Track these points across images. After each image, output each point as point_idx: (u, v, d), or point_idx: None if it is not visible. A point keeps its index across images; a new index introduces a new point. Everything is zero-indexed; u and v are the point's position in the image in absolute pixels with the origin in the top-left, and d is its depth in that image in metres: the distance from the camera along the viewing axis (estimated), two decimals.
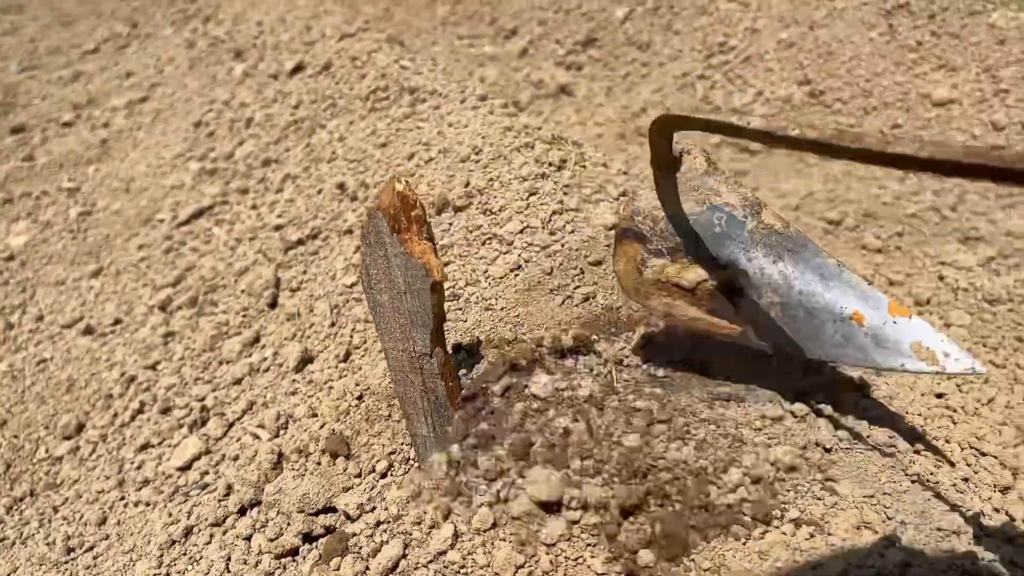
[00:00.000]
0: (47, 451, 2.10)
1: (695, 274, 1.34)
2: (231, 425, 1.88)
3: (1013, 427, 1.77)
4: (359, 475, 1.43)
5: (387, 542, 1.26)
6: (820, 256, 1.31)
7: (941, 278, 2.64)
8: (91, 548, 1.68)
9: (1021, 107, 3.26)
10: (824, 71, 3.83)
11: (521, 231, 1.89)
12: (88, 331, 2.52)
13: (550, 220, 1.89)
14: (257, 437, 1.77)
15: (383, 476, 1.40)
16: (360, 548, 1.28)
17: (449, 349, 1.52)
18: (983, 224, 2.89)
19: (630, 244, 1.39)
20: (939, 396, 1.78)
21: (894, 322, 1.22)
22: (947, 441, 1.51)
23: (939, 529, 1.16)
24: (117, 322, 2.53)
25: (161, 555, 1.52)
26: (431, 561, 1.20)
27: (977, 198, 3.04)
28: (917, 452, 1.40)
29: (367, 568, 1.24)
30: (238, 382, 2.01)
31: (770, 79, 4.03)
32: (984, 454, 1.50)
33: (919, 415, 1.56)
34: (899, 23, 3.83)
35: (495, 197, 2.04)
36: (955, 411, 1.70)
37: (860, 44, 3.84)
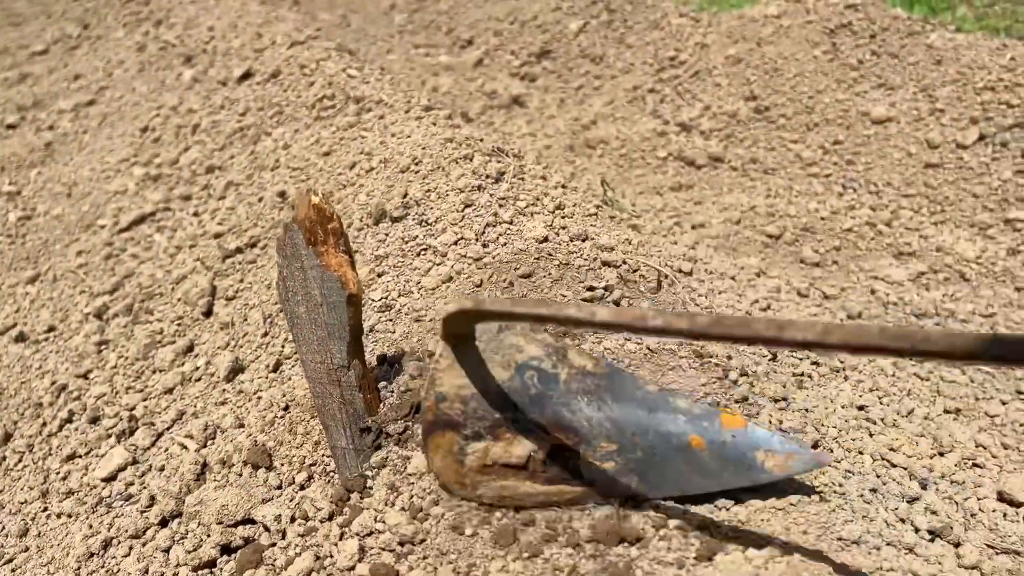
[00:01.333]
0: None
1: (522, 447, 1.22)
2: (160, 435, 1.86)
3: (930, 438, 1.83)
4: (279, 487, 1.43)
5: (299, 555, 1.26)
6: (639, 387, 1.25)
7: (873, 292, 2.71)
8: (10, 560, 1.66)
9: (955, 126, 3.36)
10: (770, 87, 3.91)
11: (455, 243, 1.91)
12: (21, 338, 2.48)
13: (483, 232, 1.90)
14: (185, 447, 1.75)
15: (302, 488, 1.40)
16: (275, 560, 1.28)
17: (374, 361, 1.54)
18: (915, 240, 2.97)
19: (442, 435, 1.24)
20: (860, 408, 1.83)
21: (732, 436, 1.20)
22: (860, 452, 1.55)
23: (840, 539, 1.20)
24: (51, 329, 2.49)
25: (79, 568, 1.51)
26: (341, 573, 1.21)
27: (911, 214, 3.13)
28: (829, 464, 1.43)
29: None
30: (169, 391, 1.99)
31: (718, 94, 4.10)
32: (895, 465, 1.55)
33: (834, 427, 1.60)
34: (842, 42, 3.93)
35: (432, 208, 2.05)
36: (874, 423, 1.75)
37: (804, 61, 3.93)
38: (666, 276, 1.85)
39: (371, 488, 1.30)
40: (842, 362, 2.12)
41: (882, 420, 1.79)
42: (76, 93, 4.62)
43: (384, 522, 1.23)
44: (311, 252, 1.21)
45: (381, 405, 1.37)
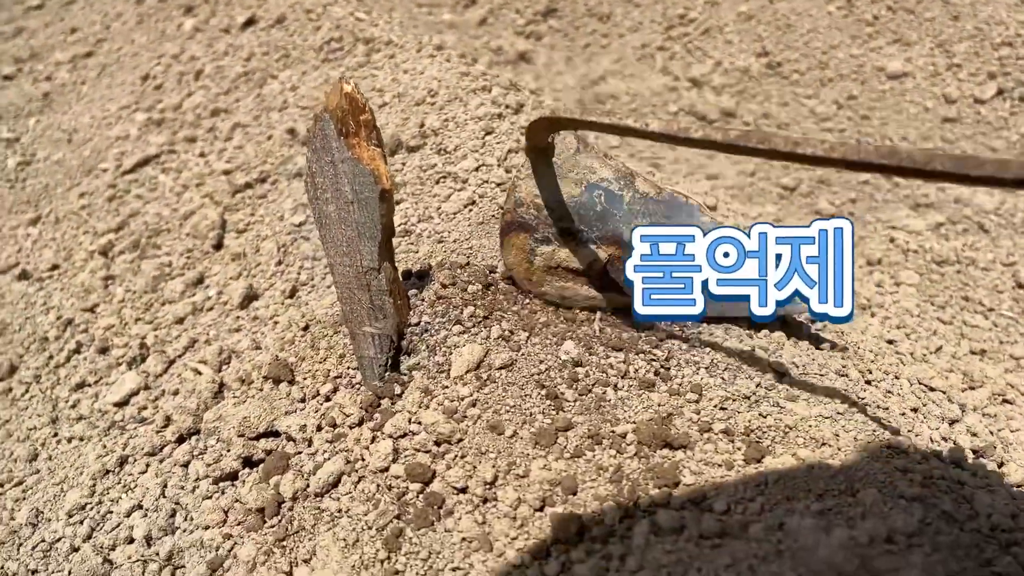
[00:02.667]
0: None
1: (584, 255, 1.36)
2: (172, 362, 1.81)
3: (959, 374, 1.80)
4: (303, 399, 1.38)
5: (329, 459, 1.21)
6: (696, 215, 1.35)
7: (892, 240, 2.67)
8: (20, 483, 1.61)
9: (973, 81, 3.32)
10: (782, 43, 3.85)
11: (476, 168, 1.85)
12: (23, 276, 2.42)
13: (506, 158, 1.85)
14: (198, 372, 1.70)
15: (327, 399, 1.35)
16: (302, 466, 1.24)
17: (400, 275, 1.48)
18: (933, 192, 2.93)
19: (517, 235, 1.38)
20: (889, 342, 1.80)
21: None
22: (896, 377, 1.52)
23: (888, 447, 1.16)
24: (55, 267, 2.43)
25: (94, 484, 1.46)
26: (374, 475, 1.16)
27: None
28: (868, 382, 1.40)
29: (307, 485, 1.19)
30: (180, 321, 1.94)
31: (729, 51, 4.04)
32: (933, 389, 1.51)
33: (870, 351, 1.56)
34: None
35: (450, 137, 2.00)
36: (903, 356, 1.71)
37: (818, 17, 3.87)
38: (707, 207, 1.80)
39: (402, 394, 1.25)
40: (868, 300, 2.08)
41: (911, 355, 1.76)
42: (73, 46, 4.53)
43: (420, 422, 1.18)
44: (342, 144, 1.15)
45: (411, 312, 1.32)
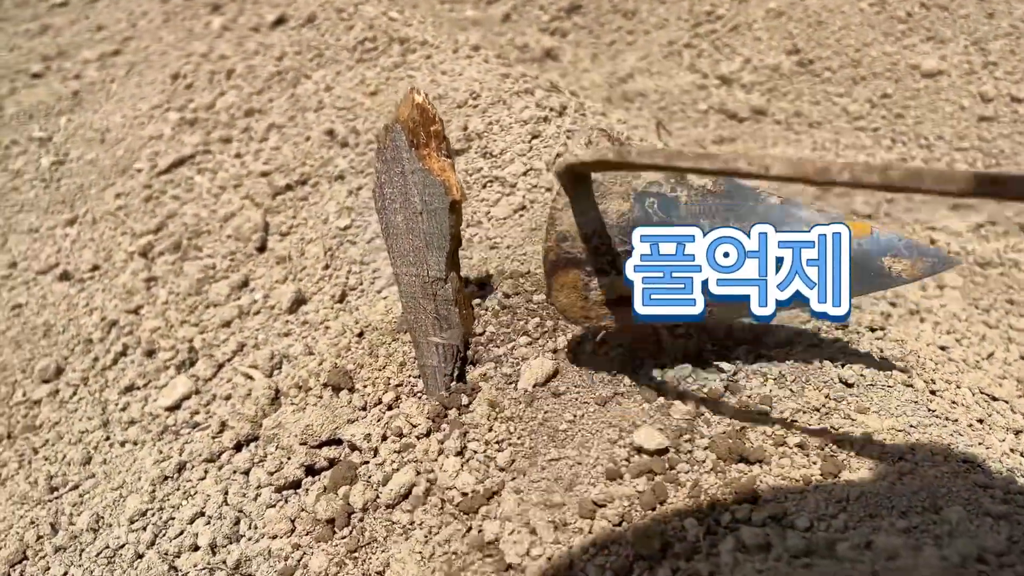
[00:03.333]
0: (24, 394, 2.01)
1: None
2: (221, 366, 1.82)
3: (1013, 380, 1.78)
4: (364, 408, 1.38)
5: (398, 469, 1.21)
6: (760, 201, 1.23)
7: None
8: (76, 486, 1.61)
9: (1009, 80, 3.28)
10: (814, 40, 3.82)
11: (524, 173, 1.85)
12: (65, 277, 2.43)
13: (554, 162, 1.84)
14: (250, 377, 1.71)
15: (390, 408, 1.35)
16: (371, 476, 1.24)
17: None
18: None
19: (566, 273, 1.24)
20: (942, 348, 1.78)
21: (859, 244, 1.18)
22: (958, 386, 1.50)
23: (964, 461, 1.15)
24: (95, 268, 2.44)
25: (153, 490, 1.46)
26: (447, 488, 1.16)
27: (965, 167, 3.05)
28: (933, 392, 1.39)
29: (378, 496, 1.19)
30: (227, 324, 1.94)
31: (758, 48, 4.01)
32: (996, 399, 1.50)
33: (931, 360, 1.55)
34: None
35: (495, 140, 1.99)
36: (958, 363, 1.70)
37: (850, 14, 3.83)
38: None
39: (470, 405, 1.25)
40: (916, 304, 2.06)
41: (964, 361, 1.75)
42: (100, 43, 4.54)
43: (488, 435, 1.18)
44: (413, 155, 1.15)
45: (476, 322, 1.32)
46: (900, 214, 2.91)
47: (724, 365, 1.28)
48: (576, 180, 1.19)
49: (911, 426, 1.19)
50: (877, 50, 3.66)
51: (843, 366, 1.31)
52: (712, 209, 1.22)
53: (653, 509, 1.04)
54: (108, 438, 1.75)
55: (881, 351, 1.42)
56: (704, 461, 1.10)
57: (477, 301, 1.36)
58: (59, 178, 3.13)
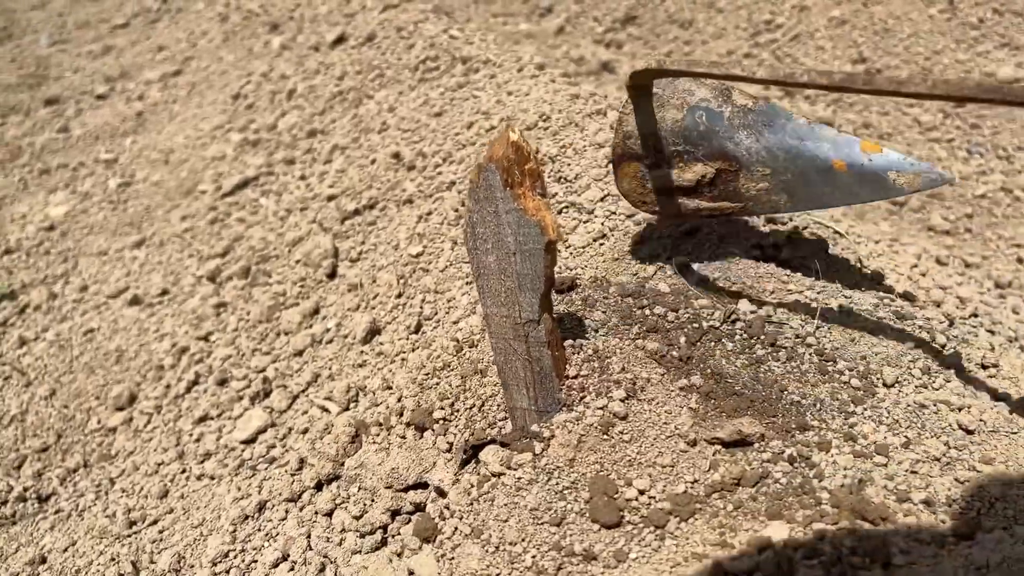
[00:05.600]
0: (99, 422, 2.02)
1: (693, 172, 1.48)
2: (295, 397, 1.80)
3: None
4: (450, 450, 1.34)
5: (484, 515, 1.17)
6: (791, 120, 1.42)
7: (1020, 260, 2.53)
8: (155, 522, 1.60)
9: None
10: (880, 48, 3.71)
11: (602, 199, 1.80)
12: (135, 301, 2.44)
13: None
14: (326, 410, 1.68)
15: (476, 451, 1.30)
16: (454, 530, 1.19)
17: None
18: None
19: (628, 164, 1.52)
20: None
21: (869, 159, 1.35)
22: None
23: None
24: (164, 292, 2.45)
25: (234, 530, 1.44)
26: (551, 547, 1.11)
27: None
28: None
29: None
30: (299, 353, 1.93)
31: (822, 57, 3.90)
32: None
33: None
34: (959, 0, 3.70)
35: (569, 165, 1.94)
36: None
37: (919, 21, 3.71)
38: (837, 235, 1.72)
39: (564, 450, 1.20)
40: (1013, 332, 1.96)
41: None
42: (161, 64, 4.61)
43: (581, 480, 1.13)
44: (508, 195, 1.11)
45: (568, 364, 1.27)
46: (981, 229, 2.79)
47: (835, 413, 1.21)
48: (640, 90, 1.44)
49: None
50: (949, 58, 3.54)
51: (960, 410, 1.23)
52: (750, 122, 1.44)
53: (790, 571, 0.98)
54: (184, 471, 1.74)
55: (997, 392, 1.34)
56: (827, 516, 1.04)
57: (569, 342, 1.31)
58: (126, 200, 3.16)
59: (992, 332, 1.81)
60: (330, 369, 1.82)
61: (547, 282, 1.16)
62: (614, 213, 1.75)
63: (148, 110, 4.04)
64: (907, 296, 1.59)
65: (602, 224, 1.72)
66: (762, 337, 1.36)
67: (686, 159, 1.49)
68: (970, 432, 1.19)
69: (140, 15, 5.62)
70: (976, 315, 1.71)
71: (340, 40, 3.59)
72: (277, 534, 1.40)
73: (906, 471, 1.11)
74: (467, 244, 1.19)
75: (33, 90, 4.54)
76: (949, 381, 1.30)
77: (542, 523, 1.13)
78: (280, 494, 1.47)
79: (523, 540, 1.12)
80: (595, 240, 1.69)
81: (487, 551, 1.13)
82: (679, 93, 1.47)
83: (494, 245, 1.16)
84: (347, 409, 1.65)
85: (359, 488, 1.38)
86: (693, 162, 1.48)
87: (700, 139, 1.47)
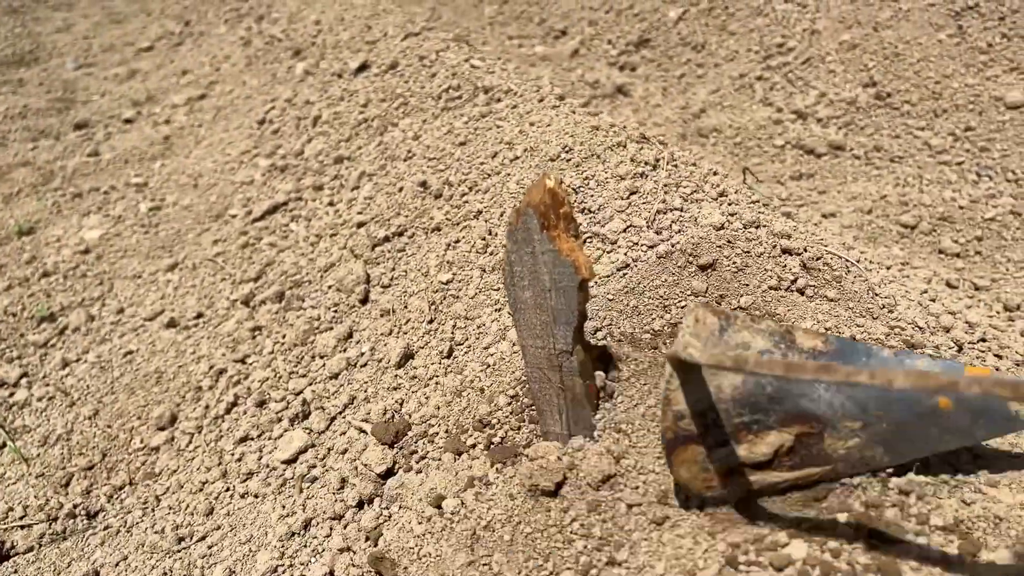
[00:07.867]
0: (142, 441, 2.12)
1: (766, 446, 1.23)
2: (333, 419, 1.89)
3: None
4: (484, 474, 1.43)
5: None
6: (873, 355, 1.21)
7: None
8: (203, 538, 1.70)
9: None
10: (891, 73, 3.79)
11: (624, 230, 1.88)
12: (171, 324, 2.54)
13: (654, 219, 1.88)
14: (363, 431, 1.77)
15: (510, 471, 1.39)
16: None
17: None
18: None
19: (685, 449, 1.24)
20: None
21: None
22: None
23: None
24: (199, 316, 2.55)
25: (282, 546, 1.53)
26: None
27: None
28: None
29: None
30: (335, 376, 2.02)
31: (833, 80, 3.99)
32: None
33: None
34: (968, 24, 3.78)
35: (592, 196, 2.03)
36: None
37: (928, 46, 3.79)
38: (851, 263, 1.80)
39: (597, 477, 1.29)
40: (1021, 355, 2.03)
41: None
42: (186, 88, 4.73)
43: (612, 506, 1.22)
44: (544, 237, 1.20)
45: (600, 394, 1.36)
46: (991, 252, 2.86)
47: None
48: (688, 366, 1.20)
49: None
50: (958, 82, 3.62)
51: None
52: None
53: None
54: (228, 489, 1.83)
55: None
56: (840, 535, 1.12)
57: (600, 374, 1.40)
58: (157, 223, 3.27)
59: (999, 356, 1.89)
60: (366, 392, 1.91)
61: (580, 316, 1.25)
62: (636, 244, 1.84)
63: (175, 134, 4.15)
64: (917, 324, 1.67)
65: (625, 254, 1.81)
66: None
67: (755, 430, 1.23)
68: (977, 456, 1.27)
69: (164, 38, 5.76)
70: (984, 339, 1.78)
71: (363, 67, 3.70)
72: (324, 550, 1.49)
73: (916, 496, 1.18)
74: (504, 281, 1.28)
75: (62, 114, 4.67)
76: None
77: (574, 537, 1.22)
78: (325, 512, 1.56)
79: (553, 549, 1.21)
80: (618, 270, 1.78)
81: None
82: (731, 351, 1.22)
83: (530, 282, 1.26)
84: (385, 431, 1.74)
85: (399, 507, 1.47)
86: (765, 432, 1.23)
87: (770, 403, 1.22)
